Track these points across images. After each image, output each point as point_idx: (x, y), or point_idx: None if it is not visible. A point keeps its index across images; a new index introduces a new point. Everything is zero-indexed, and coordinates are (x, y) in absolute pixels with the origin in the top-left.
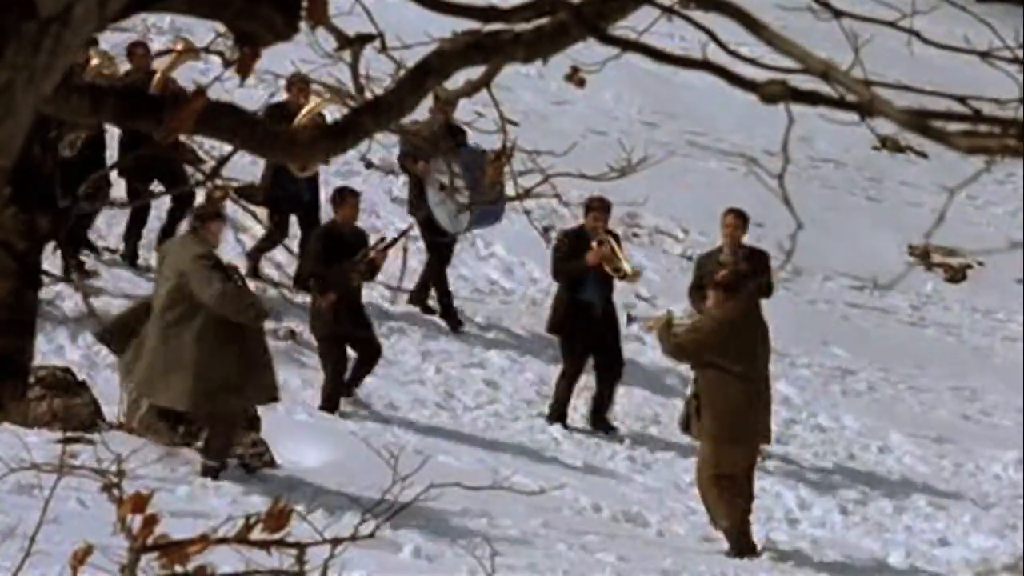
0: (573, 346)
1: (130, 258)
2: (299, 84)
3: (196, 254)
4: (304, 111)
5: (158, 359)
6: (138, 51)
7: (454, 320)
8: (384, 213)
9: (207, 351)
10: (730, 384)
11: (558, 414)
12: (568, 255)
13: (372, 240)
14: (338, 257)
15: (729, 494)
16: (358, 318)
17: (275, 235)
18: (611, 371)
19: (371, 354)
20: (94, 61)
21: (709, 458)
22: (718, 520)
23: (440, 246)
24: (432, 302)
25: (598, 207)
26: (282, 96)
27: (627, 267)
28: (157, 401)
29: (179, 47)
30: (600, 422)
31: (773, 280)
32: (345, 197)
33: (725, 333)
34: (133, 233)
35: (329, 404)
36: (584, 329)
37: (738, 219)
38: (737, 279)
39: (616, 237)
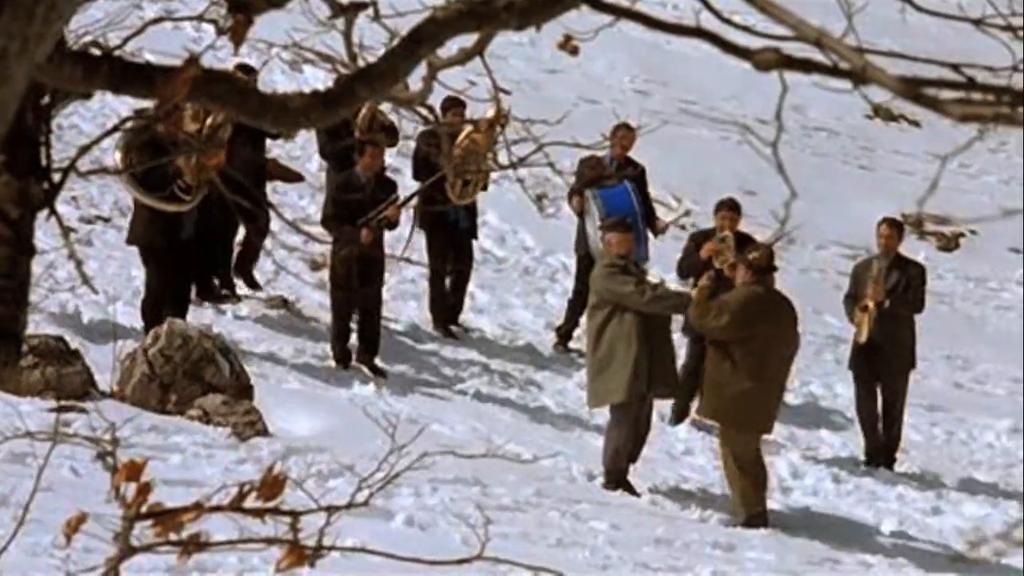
0: None
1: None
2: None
3: (603, 264)
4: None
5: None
6: (454, 108)
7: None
8: None
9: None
10: (738, 370)
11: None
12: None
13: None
14: (354, 207)
15: (753, 479)
16: (370, 273)
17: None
18: None
19: (371, 312)
20: None
21: (730, 446)
22: (747, 507)
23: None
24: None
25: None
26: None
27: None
28: (600, 404)
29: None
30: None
31: (924, 295)
32: (366, 147)
33: (751, 312)
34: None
35: (335, 356)
36: None
37: (892, 228)
38: (770, 261)
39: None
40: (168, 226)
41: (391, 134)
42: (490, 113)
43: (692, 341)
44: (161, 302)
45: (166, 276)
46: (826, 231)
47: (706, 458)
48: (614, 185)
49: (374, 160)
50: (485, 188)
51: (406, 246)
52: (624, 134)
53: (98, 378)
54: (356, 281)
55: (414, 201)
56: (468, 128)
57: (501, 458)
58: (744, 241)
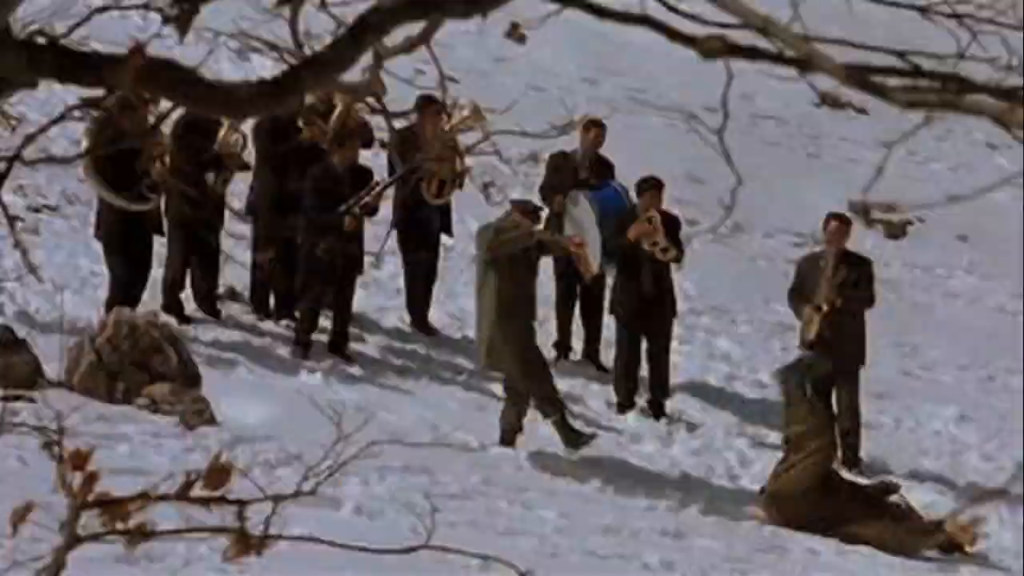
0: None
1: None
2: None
3: (495, 229)
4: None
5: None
6: (429, 107)
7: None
8: None
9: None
10: None
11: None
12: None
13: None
14: (335, 198)
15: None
16: (345, 267)
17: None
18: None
19: (341, 306)
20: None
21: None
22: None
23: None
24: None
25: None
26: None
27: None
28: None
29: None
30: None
31: (876, 290)
32: (343, 139)
33: None
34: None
35: (299, 344)
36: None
37: (842, 224)
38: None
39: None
40: (133, 222)
41: (365, 133)
42: (465, 112)
43: (621, 326)
44: (129, 296)
45: (130, 270)
46: (774, 219)
47: (654, 446)
48: (597, 185)
49: (351, 151)
50: (461, 187)
51: (383, 245)
52: (597, 131)
53: (46, 367)
54: (336, 274)
55: (390, 196)
56: (439, 125)
57: (448, 446)
58: (669, 220)
